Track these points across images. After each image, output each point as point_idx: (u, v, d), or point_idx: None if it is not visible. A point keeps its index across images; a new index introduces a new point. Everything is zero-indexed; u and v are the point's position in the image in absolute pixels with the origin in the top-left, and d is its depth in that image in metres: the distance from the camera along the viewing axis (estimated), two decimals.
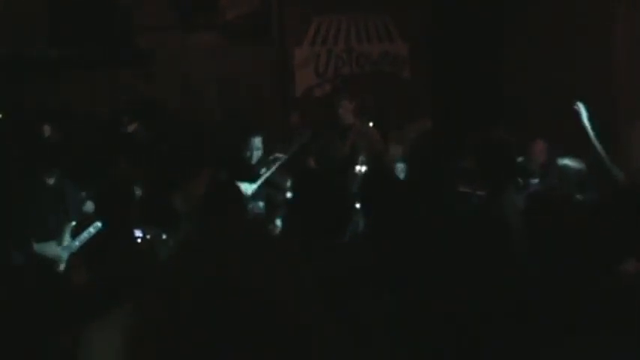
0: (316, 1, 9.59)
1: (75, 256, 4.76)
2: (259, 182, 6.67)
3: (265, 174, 6.78)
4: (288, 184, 6.88)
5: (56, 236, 5.90)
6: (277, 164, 6.85)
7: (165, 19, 9.07)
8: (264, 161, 6.98)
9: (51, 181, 6.09)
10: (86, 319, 3.62)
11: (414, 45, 9.88)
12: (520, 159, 5.96)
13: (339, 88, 8.13)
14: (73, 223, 6.00)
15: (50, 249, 5.78)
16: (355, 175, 6.69)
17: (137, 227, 4.82)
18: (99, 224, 5.83)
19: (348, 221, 3.49)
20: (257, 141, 7.02)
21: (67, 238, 5.91)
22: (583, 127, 5.77)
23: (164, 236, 6.11)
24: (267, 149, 7.19)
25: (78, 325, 3.68)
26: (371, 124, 7.60)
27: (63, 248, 5.85)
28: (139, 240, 4.77)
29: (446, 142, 6.27)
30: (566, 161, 5.80)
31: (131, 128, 7.63)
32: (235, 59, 9.20)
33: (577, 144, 7.34)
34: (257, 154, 7.02)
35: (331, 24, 9.66)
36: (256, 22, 9.42)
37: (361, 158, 6.96)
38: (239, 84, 9.29)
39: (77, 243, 5.82)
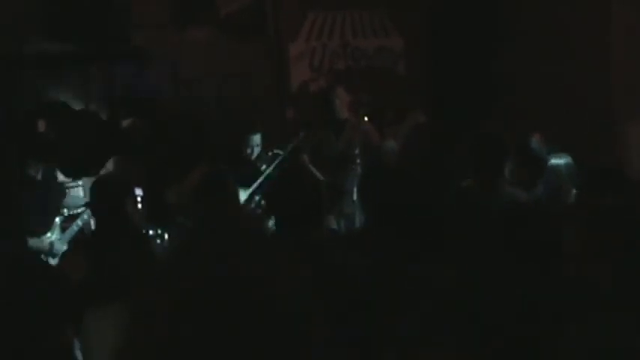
0: None
1: (72, 251, 4.76)
2: (254, 186, 6.64)
3: (265, 171, 6.76)
4: None
5: (45, 230, 5.89)
6: (277, 161, 6.83)
7: (161, 15, 9.05)
8: (264, 158, 6.97)
9: (38, 175, 6.09)
10: (83, 313, 3.63)
11: (409, 40, 9.88)
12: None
13: (334, 83, 8.12)
14: (58, 218, 6.00)
15: (39, 242, 5.78)
16: (351, 170, 6.71)
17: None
18: (86, 217, 5.86)
19: (317, 215, 3.47)
20: (256, 138, 7.03)
21: (55, 232, 5.91)
22: None
23: (159, 231, 6.12)
24: (265, 145, 7.19)
25: (75, 320, 3.68)
26: (366, 119, 7.59)
27: (52, 242, 5.86)
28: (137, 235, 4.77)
29: (442, 137, 6.29)
30: (554, 160, 5.78)
31: (127, 124, 7.62)
32: (230, 54, 9.18)
33: (574, 140, 7.37)
34: (256, 151, 7.02)
35: (326, 19, 9.65)
36: (251, 18, 9.41)
37: (357, 153, 6.98)
38: (234, 79, 9.27)
39: (66, 236, 5.83)
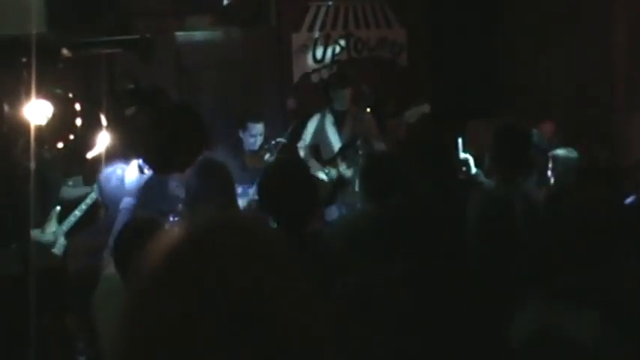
0: None
1: (74, 241, 4.76)
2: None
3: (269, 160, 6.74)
4: None
5: (42, 223, 5.87)
6: (278, 148, 6.81)
7: (162, 4, 9.02)
8: (268, 147, 6.93)
9: (32, 166, 6.04)
10: (87, 299, 3.62)
11: (412, 31, 9.86)
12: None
13: (344, 76, 8.08)
14: (58, 208, 5.98)
15: (38, 236, 5.76)
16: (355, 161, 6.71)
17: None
18: (84, 207, 5.85)
19: (312, 209, 3.47)
20: (259, 127, 6.97)
21: (53, 224, 5.89)
22: None
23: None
24: (266, 135, 7.16)
25: (78, 308, 3.68)
26: (368, 110, 7.59)
27: (51, 234, 5.84)
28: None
29: (445, 128, 6.27)
30: (559, 151, 5.77)
31: (129, 112, 7.58)
32: (232, 45, 9.16)
33: (575, 131, 7.37)
34: (259, 140, 6.98)
35: (329, 9, 9.63)
36: (253, 8, 9.38)
37: (359, 144, 6.99)
38: (235, 69, 9.25)
39: (64, 228, 5.82)
